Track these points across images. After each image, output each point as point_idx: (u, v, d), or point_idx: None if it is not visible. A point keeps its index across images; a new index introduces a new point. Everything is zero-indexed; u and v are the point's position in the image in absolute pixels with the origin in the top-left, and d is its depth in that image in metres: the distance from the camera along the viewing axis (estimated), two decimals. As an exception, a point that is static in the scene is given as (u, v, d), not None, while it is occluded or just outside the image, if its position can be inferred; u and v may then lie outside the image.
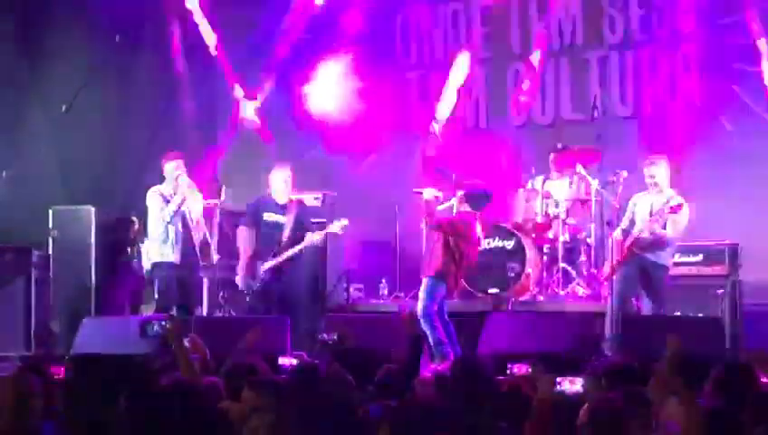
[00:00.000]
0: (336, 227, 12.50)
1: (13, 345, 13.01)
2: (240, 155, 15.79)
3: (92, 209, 14.17)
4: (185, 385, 5.30)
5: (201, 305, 13.77)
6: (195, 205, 12.49)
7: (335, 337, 8.96)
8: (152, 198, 12.44)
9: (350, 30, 15.68)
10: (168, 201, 12.33)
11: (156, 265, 12.47)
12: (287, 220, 12.37)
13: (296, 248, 12.27)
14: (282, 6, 16.08)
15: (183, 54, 16.16)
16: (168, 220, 12.31)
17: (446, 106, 15.31)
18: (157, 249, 12.43)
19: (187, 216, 12.44)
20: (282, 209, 12.42)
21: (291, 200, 12.49)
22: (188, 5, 16.16)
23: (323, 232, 12.48)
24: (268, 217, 12.38)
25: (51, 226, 14.11)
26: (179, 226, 12.37)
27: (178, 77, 16.12)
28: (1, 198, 14.38)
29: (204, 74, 16.26)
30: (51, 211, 14.17)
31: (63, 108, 14.98)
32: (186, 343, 8.35)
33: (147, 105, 15.81)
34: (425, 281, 11.49)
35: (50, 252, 14.05)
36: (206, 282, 13.72)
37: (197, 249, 12.62)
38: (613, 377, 6.89)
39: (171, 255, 12.36)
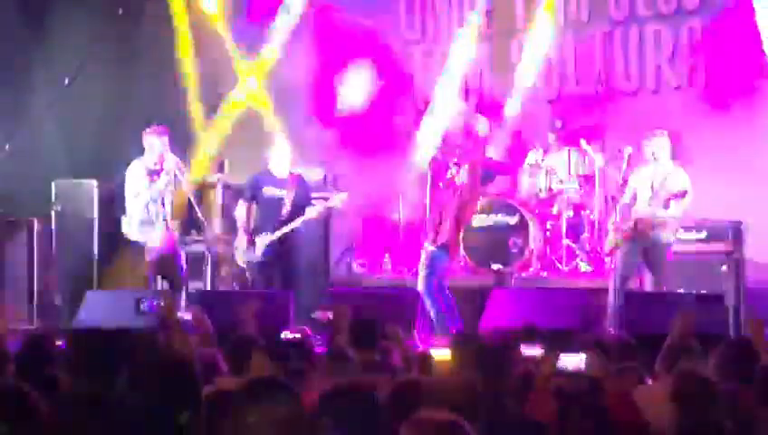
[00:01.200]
0: (336, 200, 12.50)
1: (15, 318, 13.00)
2: (242, 128, 15.72)
3: (95, 183, 14.15)
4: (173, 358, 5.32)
5: (204, 280, 13.78)
6: (184, 183, 12.37)
7: (329, 316, 8.92)
8: (137, 172, 12.28)
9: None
10: (153, 177, 12.22)
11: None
12: (286, 195, 12.34)
13: (296, 223, 12.24)
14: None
15: (186, 26, 16.08)
16: (155, 198, 12.22)
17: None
18: (137, 229, 12.36)
19: (167, 194, 12.34)
20: (281, 184, 12.39)
21: (290, 175, 12.46)
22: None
23: (323, 206, 12.44)
24: (267, 191, 12.35)
25: (53, 199, 14.11)
26: (160, 204, 12.31)
27: (180, 50, 16.05)
28: (4, 171, 14.36)
29: (207, 46, 16.18)
30: (53, 184, 14.16)
31: (66, 81, 14.97)
32: (188, 316, 8.37)
33: (149, 78, 15.75)
34: (429, 252, 11.42)
35: (52, 225, 14.05)
36: (208, 256, 13.72)
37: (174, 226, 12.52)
38: (617, 352, 6.91)
39: (154, 236, 12.30)
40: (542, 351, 7.07)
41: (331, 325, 8.42)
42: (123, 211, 12.44)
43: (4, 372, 6.02)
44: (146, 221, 12.23)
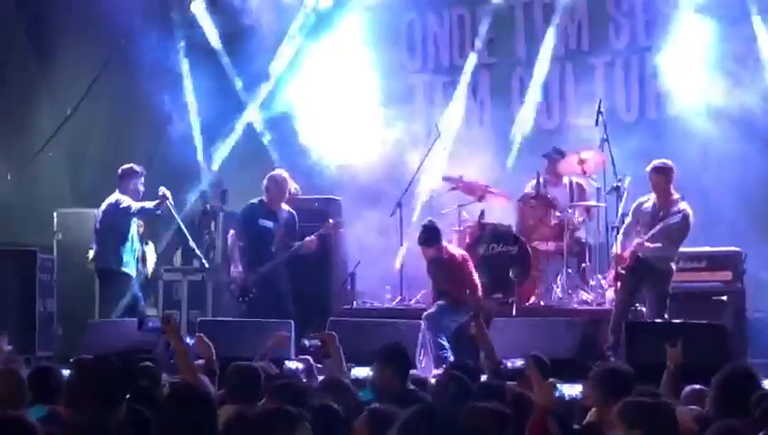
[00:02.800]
0: (327, 228, 12.61)
1: (17, 347, 13.00)
2: (243, 157, 15.76)
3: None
4: (186, 392, 5.36)
5: (203, 308, 13.83)
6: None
7: (317, 343, 8.96)
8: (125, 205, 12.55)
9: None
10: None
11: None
12: (277, 227, 12.45)
13: (283, 256, 12.34)
14: (285, 10, 16.10)
15: (188, 58, 16.16)
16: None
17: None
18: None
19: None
20: (273, 216, 12.49)
21: (283, 206, 12.55)
22: (193, 9, 16.16)
23: (312, 237, 12.52)
24: (260, 223, 12.47)
25: (55, 228, 14.14)
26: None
27: (183, 81, 16.11)
28: (6, 200, 14.40)
29: (209, 77, 16.25)
30: (55, 214, 14.19)
31: (68, 111, 15.03)
32: (190, 341, 8.41)
33: (153, 109, 15.81)
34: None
35: (54, 254, 14.08)
36: (210, 285, 13.77)
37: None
38: (614, 383, 6.91)
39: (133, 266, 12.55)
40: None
41: (321, 352, 8.49)
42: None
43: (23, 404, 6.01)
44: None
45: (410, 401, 6.46)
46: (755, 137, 13.49)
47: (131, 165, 12.76)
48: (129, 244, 12.61)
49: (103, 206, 12.71)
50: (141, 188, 12.63)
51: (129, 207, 12.47)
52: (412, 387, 7.39)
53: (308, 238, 12.46)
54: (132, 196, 12.54)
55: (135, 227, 12.75)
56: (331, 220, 12.86)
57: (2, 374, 6.22)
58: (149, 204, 12.49)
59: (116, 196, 12.59)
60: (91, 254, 12.96)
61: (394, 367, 7.45)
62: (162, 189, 12.50)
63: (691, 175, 12.23)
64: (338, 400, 6.27)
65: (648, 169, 11.42)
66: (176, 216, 12.74)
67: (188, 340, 9.18)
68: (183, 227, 12.81)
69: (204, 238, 13.57)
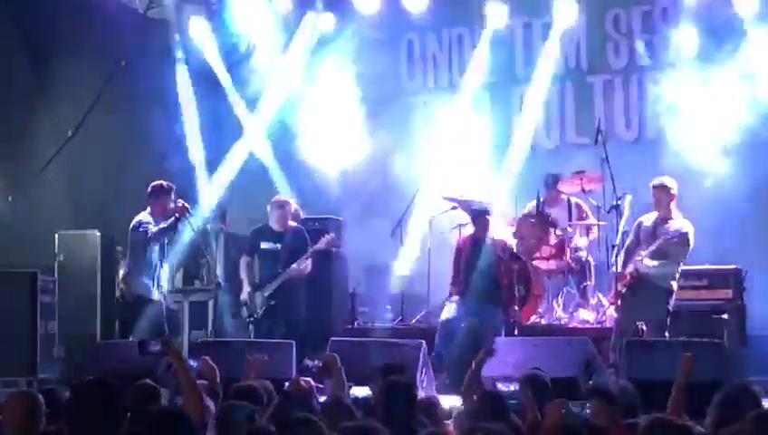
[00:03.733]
0: (322, 243, 12.66)
1: (18, 370, 12.98)
2: (245, 180, 15.78)
3: (98, 233, 14.20)
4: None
5: (206, 329, 13.83)
6: None
7: (319, 364, 8.98)
8: (143, 229, 12.48)
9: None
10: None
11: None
12: (282, 248, 12.52)
13: (280, 278, 12.38)
14: (285, 30, 16.16)
15: (188, 79, 16.19)
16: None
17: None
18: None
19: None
20: (278, 238, 12.56)
21: (288, 228, 12.61)
22: (192, 28, 16.20)
23: (306, 255, 12.57)
24: (265, 245, 12.56)
25: (56, 250, 14.15)
26: None
27: (184, 102, 16.14)
28: (7, 221, 14.40)
29: (209, 98, 16.28)
30: (56, 235, 14.20)
31: (69, 133, 15.04)
32: (194, 364, 8.41)
33: (153, 129, 15.82)
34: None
35: (55, 276, 14.07)
36: (210, 306, 13.78)
37: None
38: (620, 400, 6.93)
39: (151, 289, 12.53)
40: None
41: (322, 373, 8.50)
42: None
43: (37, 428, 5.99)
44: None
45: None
46: (753, 154, 13.52)
47: (161, 182, 12.69)
48: (148, 266, 12.52)
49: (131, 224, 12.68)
50: (172, 205, 12.55)
51: (146, 232, 12.40)
52: None
53: (293, 268, 12.50)
54: (160, 214, 12.46)
55: (157, 248, 12.62)
56: (326, 235, 12.91)
57: (19, 397, 6.18)
58: (165, 223, 12.40)
59: (140, 215, 12.51)
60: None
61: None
62: (181, 201, 12.47)
63: (689, 192, 12.22)
64: (339, 419, 6.29)
65: (651, 185, 11.42)
66: (193, 229, 12.67)
67: (192, 363, 9.20)
68: (201, 242, 12.78)
69: (204, 259, 13.55)
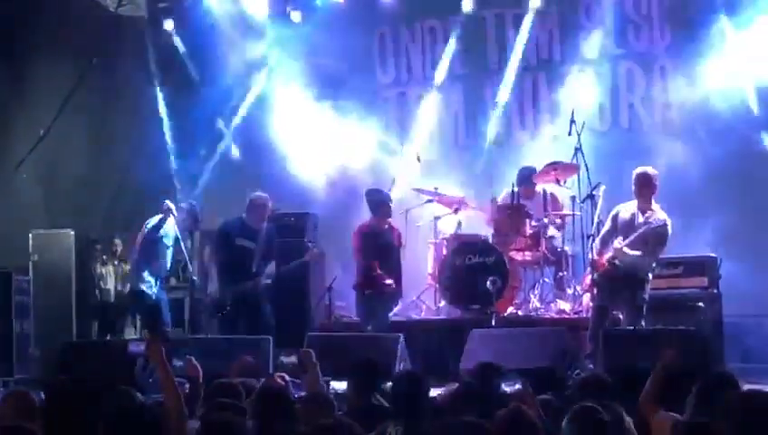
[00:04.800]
0: (309, 256, 12.84)
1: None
2: (221, 179, 15.75)
3: (72, 233, 14.15)
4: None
5: (183, 326, 13.80)
6: None
7: (294, 360, 8.96)
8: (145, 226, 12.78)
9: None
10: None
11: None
12: (257, 245, 12.48)
13: (257, 280, 12.38)
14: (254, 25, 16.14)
15: (162, 77, 16.15)
16: None
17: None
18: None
19: None
20: (252, 234, 12.52)
21: (262, 226, 12.59)
22: (165, 27, 16.16)
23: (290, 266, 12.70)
24: (240, 242, 12.50)
25: (31, 250, 14.09)
26: None
27: (156, 100, 16.11)
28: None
29: (184, 96, 16.24)
30: (30, 235, 14.14)
31: (41, 132, 14.98)
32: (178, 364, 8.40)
33: (127, 129, 15.78)
34: None
35: (30, 275, 14.02)
36: (187, 302, 13.75)
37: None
38: (596, 390, 6.93)
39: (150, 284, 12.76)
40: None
41: (299, 369, 8.48)
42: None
43: None
44: None
45: (372, 417, 6.53)
46: (728, 142, 13.57)
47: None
48: (149, 264, 12.64)
49: None
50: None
51: (144, 229, 12.69)
52: (376, 402, 7.40)
53: (268, 271, 12.54)
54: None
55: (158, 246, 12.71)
56: (315, 250, 13.00)
57: (15, 398, 6.11)
58: (155, 219, 12.57)
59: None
60: None
61: (354, 382, 7.58)
62: (167, 203, 12.60)
63: (663, 182, 12.25)
64: (321, 413, 6.29)
65: (634, 174, 11.38)
66: (177, 231, 12.75)
67: (177, 362, 9.17)
68: (182, 243, 12.77)
69: (180, 257, 13.51)
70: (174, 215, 12.62)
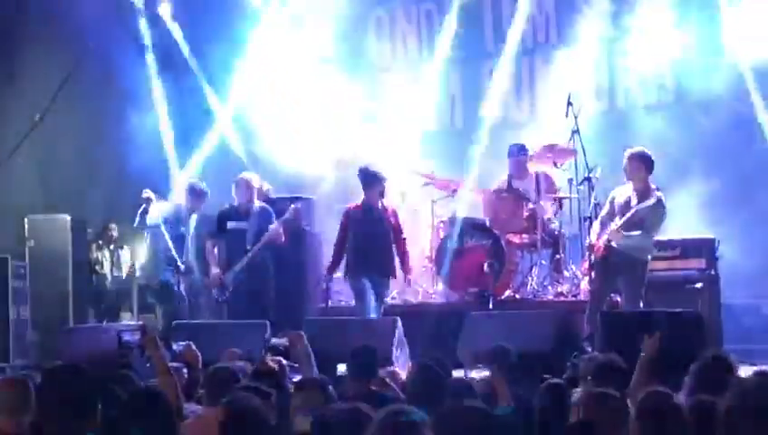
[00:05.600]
0: (287, 213, 12.63)
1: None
2: (217, 166, 15.71)
3: (68, 218, 14.12)
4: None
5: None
6: None
7: (285, 342, 8.95)
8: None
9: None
10: None
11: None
12: (249, 226, 12.47)
13: (254, 249, 12.33)
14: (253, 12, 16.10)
15: (157, 62, 16.11)
16: None
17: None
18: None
19: None
20: (245, 216, 12.53)
21: (256, 204, 12.57)
22: (160, 11, 16.11)
23: (276, 224, 12.52)
24: (231, 225, 12.51)
25: (27, 235, 14.06)
26: None
27: (152, 87, 16.07)
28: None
29: (177, 81, 16.21)
30: (26, 220, 14.12)
31: (37, 117, 14.94)
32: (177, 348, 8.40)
33: (122, 114, 15.74)
34: None
35: (26, 261, 14.00)
36: (184, 288, 13.71)
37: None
38: (595, 372, 6.91)
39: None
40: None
41: (288, 352, 8.47)
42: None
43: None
44: None
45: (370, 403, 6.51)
46: (725, 123, 13.57)
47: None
48: (154, 252, 12.61)
49: None
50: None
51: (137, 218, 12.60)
52: (374, 388, 7.39)
53: (272, 227, 12.47)
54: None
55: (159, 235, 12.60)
56: (292, 205, 12.84)
57: (9, 383, 6.08)
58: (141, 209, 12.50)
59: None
60: None
61: (351, 368, 7.62)
62: (146, 192, 12.49)
63: (660, 162, 12.22)
64: (316, 399, 6.28)
65: (626, 156, 11.32)
66: (161, 218, 12.66)
67: (176, 347, 9.16)
68: (164, 229, 12.66)
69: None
70: (153, 202, 12.49)
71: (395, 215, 12.51)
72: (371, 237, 12.25)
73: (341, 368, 9.12)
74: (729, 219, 12.91)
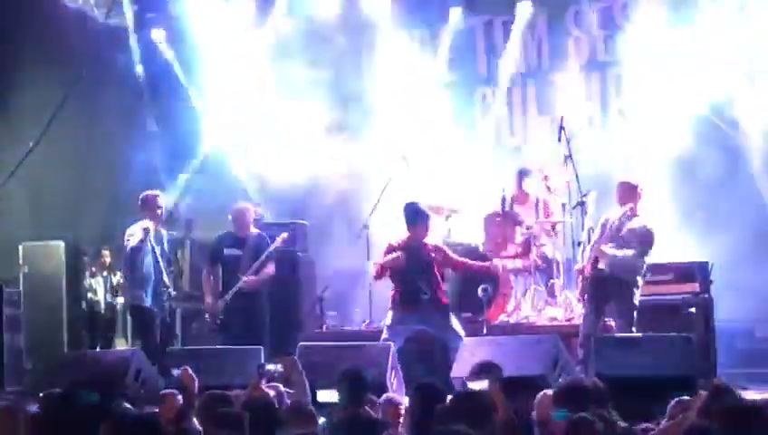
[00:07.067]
0: (276, 242, 12.64)
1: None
2: (209, 188, 15.73)
3: (62, 244, 14.12)
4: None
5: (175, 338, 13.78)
6: None
7: (280, 368, 8.95)
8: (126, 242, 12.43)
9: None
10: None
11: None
12: (244, 253, 12.50)
13: (235, 287, 12.35)
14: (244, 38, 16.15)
15: (150, 88, 16.15)
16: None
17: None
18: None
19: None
20: (241, 242, 12.55)
21: (252, 231, 12.60)
22: (153, 37, 16.14)
23: (261, 260, 12.53)
24: (228, 251, 12.53)
25: (21, 262, 14.07)
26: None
27: (145, 111, 16.10)
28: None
29: (170, 106, 16.24)
30: (20, 247, 14.12)
31: (31, 144, 14.97)
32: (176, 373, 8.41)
33: (115, 140, 15.77)
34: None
35: (20, 287, 14.00)
36: (179, 314, 13.73)
37: None
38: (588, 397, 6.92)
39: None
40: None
41: (281, 378, 8.47)
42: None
43: None
44: None
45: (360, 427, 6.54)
46: (717, 148, 13.63)
47: (148, 192, 12.58)
48: (139, 276, 12.35)
49: None
50: (160, 211, 12.48)
51: (126, 245, 12.35)
52: (365, 413, 7.40)
53: (247, 279, 12.46)
54: (156, 220, 12.42)
55: (149, 257, 12.42)
56: (280, 237, 12.84)
57: (5, 413, 6.06)
58: (135, 239, 12.29)
59: (130, 228, 12.39)
60: None
61: (342, 392, 7.61)
62: (146, 222, 12.32)
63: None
64: (302, 425, 6.30)
65: (618, 183, 11.37)
66: (155, 247, 12.55)
67: (174, 372, 9.15)
68: (159, 258, 12.57)
69: (171, 267, 13.49)
70: (150, 237, 12.38)
71: (435, 250, 12.08)
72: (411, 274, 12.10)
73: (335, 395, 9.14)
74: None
